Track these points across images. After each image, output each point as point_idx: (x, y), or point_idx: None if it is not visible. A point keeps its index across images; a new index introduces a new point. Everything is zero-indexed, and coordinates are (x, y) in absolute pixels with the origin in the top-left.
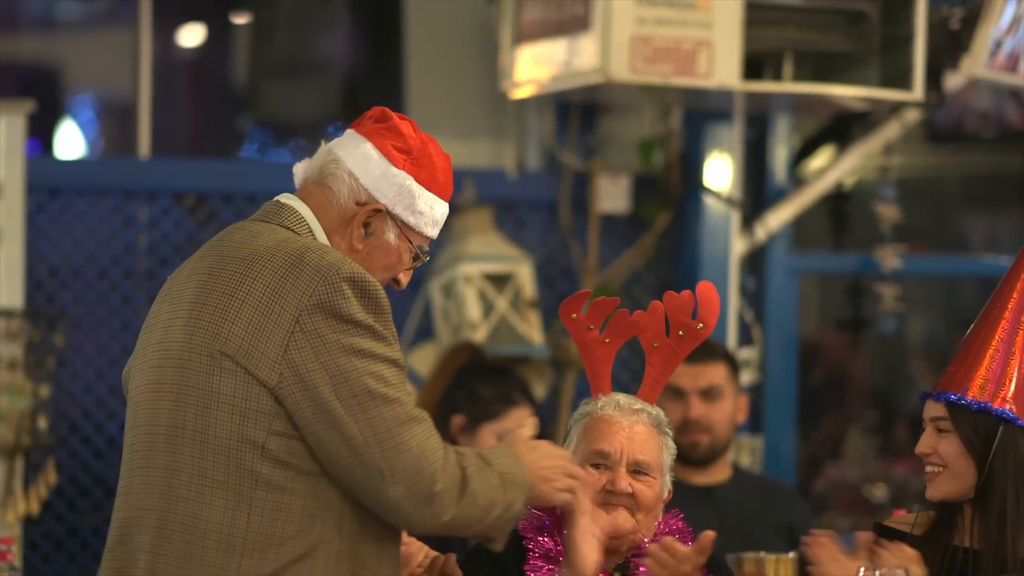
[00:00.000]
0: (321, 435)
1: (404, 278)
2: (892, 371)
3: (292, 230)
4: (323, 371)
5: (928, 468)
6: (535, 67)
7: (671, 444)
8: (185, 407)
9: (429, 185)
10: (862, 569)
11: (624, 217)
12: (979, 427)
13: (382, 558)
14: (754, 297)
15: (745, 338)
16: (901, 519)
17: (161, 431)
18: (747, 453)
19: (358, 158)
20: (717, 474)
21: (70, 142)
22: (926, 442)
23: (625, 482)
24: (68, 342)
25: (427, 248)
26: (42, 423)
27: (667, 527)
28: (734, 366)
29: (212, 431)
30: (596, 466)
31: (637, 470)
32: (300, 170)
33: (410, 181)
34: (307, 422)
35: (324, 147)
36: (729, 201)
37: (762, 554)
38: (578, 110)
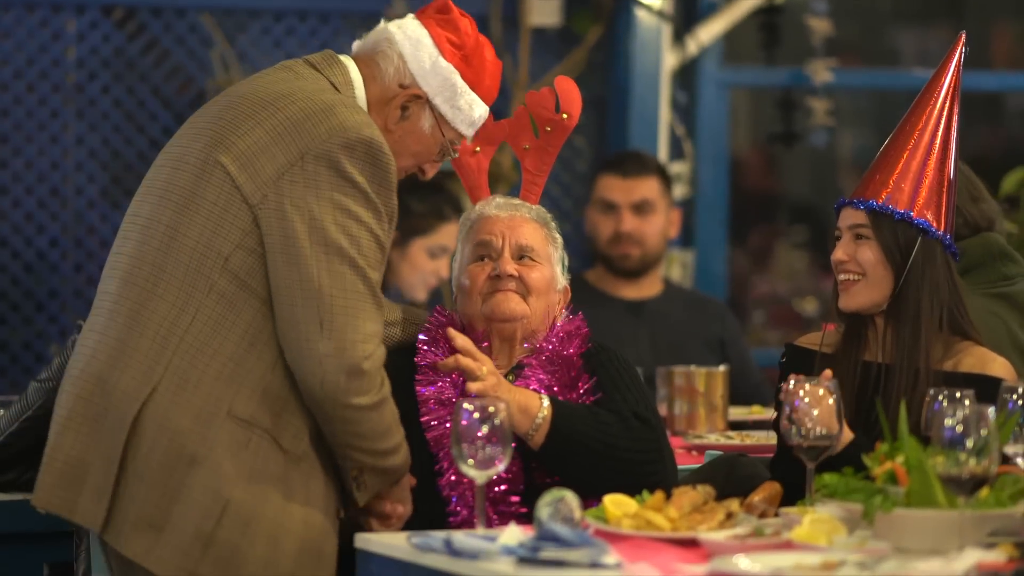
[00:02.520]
0: (280, 267)
1: (430, 169)
2: (822, 185)
3: (335, 87)
4: (305, 211)
5: (843, 277)
6: None
7: (558, 237)
8: (165, 203)
9: (474, 85)
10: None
11: (555, 31)
12: (900, 236)
13: (308, 416)
14: (685, 111)
15: (676, 152)
16: (811, 338)
17: (139, 222)
18: (678, 267)
19: (411, 43)
20: (648, 288)
21: None
22: (844, 250)
23: (511, 266)
24: None
25: (457, 144)
26: None
27: (566, 326)
28: (667, 180)
29: (183, 230)
30: (481, 258)
31: (522, 255)
32: (357, 44)
33: (456, 76)
34: (272, 250)
35: (383, 24)
36: (661, 15)
37: (692, 368)
38: None
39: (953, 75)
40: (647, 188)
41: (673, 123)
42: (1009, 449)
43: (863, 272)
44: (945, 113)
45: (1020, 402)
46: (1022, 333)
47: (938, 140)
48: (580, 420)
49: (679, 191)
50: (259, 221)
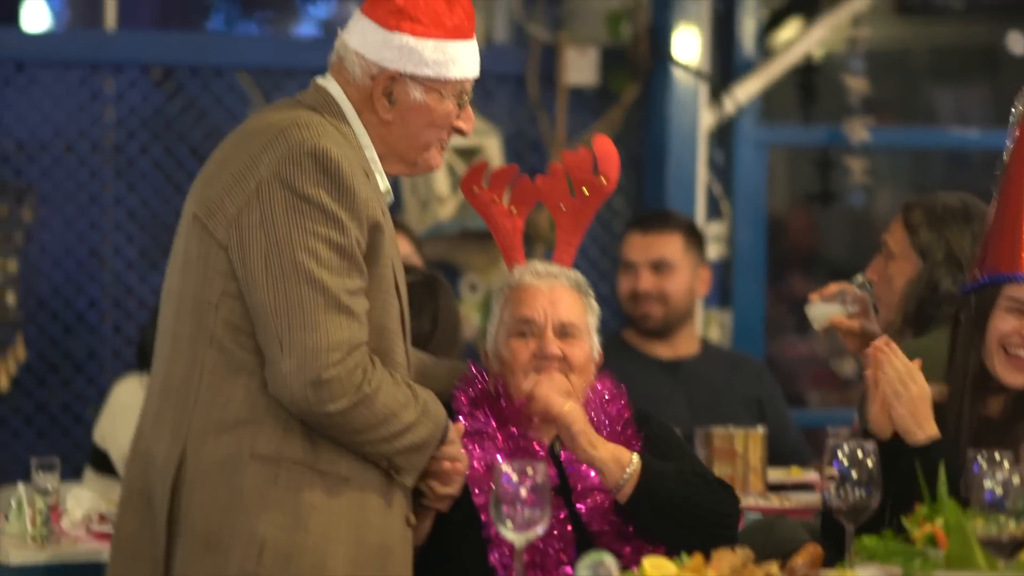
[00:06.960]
0: (248, 297)
1: (464, 124)
2: (860, 244)
3: (314, 108)
4: (263, 238)
5: (1014, 352)
6: None
7: (594, 305)
8: (180, 272)
9: (432, 32)
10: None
11: (592, 90)
12: None
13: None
14: (723, 170)
15: (714, 212)
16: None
17: (169, 295)
18: (716, 327)
19: (359, 35)
20: (684, 348)
21: (36, 14)
22: (1013, 324)
23: (554, 345)
24: (36, 216)
25: (469, 88)
26: (10, 298)
27: (601, 388)
28: (693, 237)
29: (187, 292)
30: (522, 335)
31: (564, 332)
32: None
33: (407, 39)
34: (241, 283)
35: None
36: (697, 73)
37: (730, 428)
38: None
39: None
40: (665, 246)
41: (710, 182)
42: None
43: None
44: None
45: None
46: None
47: None
48: (668, 476)
49: (717, 251)
50: (231, 261)
